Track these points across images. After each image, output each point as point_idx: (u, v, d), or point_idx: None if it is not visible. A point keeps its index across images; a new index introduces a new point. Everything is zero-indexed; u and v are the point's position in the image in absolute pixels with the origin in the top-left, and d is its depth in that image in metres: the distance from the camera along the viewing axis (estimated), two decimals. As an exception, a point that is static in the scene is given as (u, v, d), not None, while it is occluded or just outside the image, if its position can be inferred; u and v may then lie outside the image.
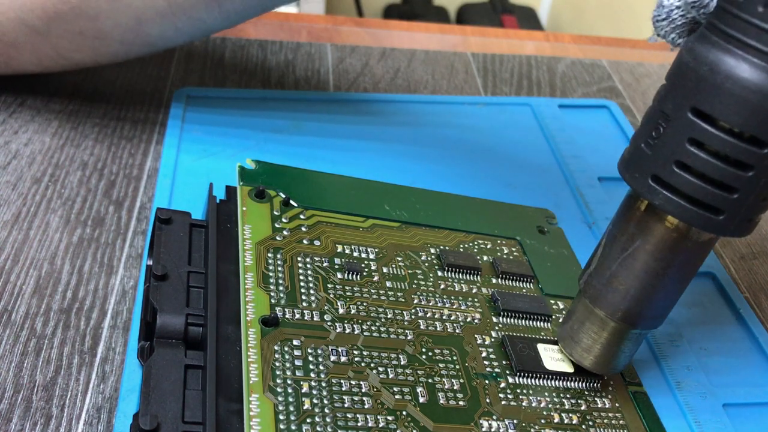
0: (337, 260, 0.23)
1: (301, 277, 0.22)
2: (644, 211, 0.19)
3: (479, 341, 0.23)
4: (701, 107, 0.17)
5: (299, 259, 0.23)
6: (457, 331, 0.23)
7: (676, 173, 0.18)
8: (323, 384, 0.19)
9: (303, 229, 0.24)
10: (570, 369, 0.23)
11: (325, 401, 0.19)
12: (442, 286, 0.24)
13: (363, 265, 0.24)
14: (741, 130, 0.17)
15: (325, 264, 0.23)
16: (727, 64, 0.16)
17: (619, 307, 0.21)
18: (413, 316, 0.23)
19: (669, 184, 0.18)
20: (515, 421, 0.21)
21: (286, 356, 0.20)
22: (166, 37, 0.30)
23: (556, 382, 0.22)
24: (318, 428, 0.18)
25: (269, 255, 0.22)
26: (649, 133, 0.18)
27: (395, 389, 0.20)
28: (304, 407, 0.19)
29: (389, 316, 0.22)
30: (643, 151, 0.19)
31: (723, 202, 0.18)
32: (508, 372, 0.22)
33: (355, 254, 0.24)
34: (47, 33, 0.29)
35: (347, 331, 0.21)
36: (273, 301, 0.21)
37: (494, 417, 0.21)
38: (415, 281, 0.24)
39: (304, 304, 0.21)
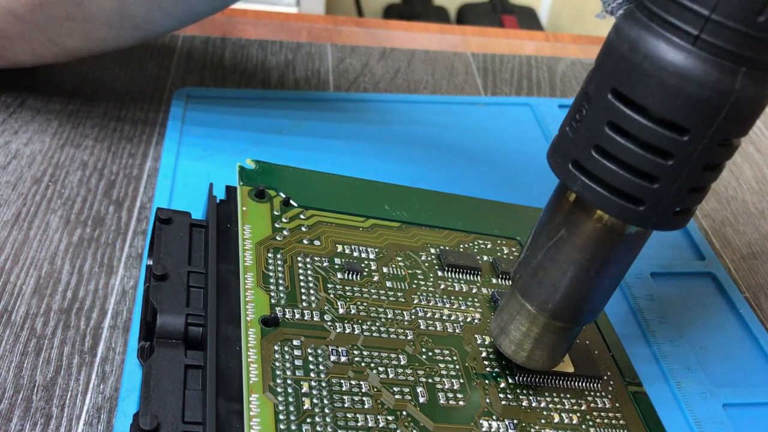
0: (337, 260, 0.23)
1: (301, 277, 0.22)
2: (573, 200, 0.18)
3: (479, 341, 0.23)
4: (621, 89, 0.16)
5: (299, 259, 0.23)
6: (457, 331, 0.23)
7: (594, 159, 0.17)
8: (323, 384, 0.19)
9: (303, 229, 0.24)
10: (570, 369, 0.23)
11: (325, 401, 0.19)
12: (442, 286, 0.24)
13: (363, 265, 0.24)
14: (660, 115, 0.16)
15: (325, 264, 0.23)
16: (648, 42, 0.15)
17: (547, 301, 0.20)
18: (413, 316, 0.23)
19: (588, 171, 0.17)
20: (515, 421, 0.21)
21: (286, 356, 0.20)
22: (153, 20, 0.30)
23: (556, 381, 0.22)
24: (318, 428, 0.18)
25: (269, 255, 0.22)
26: (573, 115, 0.17)
27: (395, 389, 0.20)
28: (304, 407, 0.19)
29: (389, 316, 0.22)
30: (567, 135, 0.17)
31: (643, 191, 0.16)
32: (508, 372, 0.22)
33: (355, 254, 0.24)
34: (34, 20, 0.29)
35: (347, 331, 0.21)
36: (273, 301, 0.21)
37: (494, 417, 0.21)
38: (415, 281, 0.24)
39: (304, 304, 0.21)
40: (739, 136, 0.16)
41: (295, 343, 0.20)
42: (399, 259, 0.25)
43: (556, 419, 0.21)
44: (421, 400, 0.20)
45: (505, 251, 0.27)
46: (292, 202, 0.25)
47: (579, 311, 0.20)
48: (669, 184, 0.16)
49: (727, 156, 0.17)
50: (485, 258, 0.26)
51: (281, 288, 0.22)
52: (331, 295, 0.22)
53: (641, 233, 0.18)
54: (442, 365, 0.22)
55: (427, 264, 0.25)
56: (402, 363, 0.21)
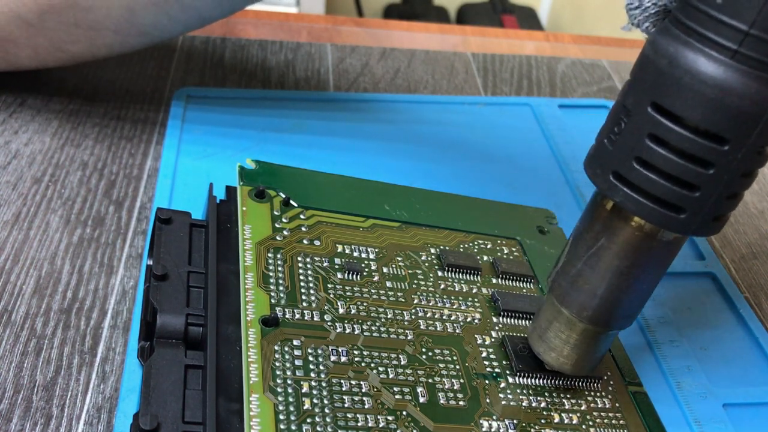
0: (337, 260, 0.23)
1: (301, 277, 0.22)
2: (610, 209, 0.19)
3: (479, 341, 0.23)
4: (660, 102, 0.17)
5: (299, 259, 0.23)
6: (457, 331, 0.23)
7: (636, 170, 0.17)
8: (323, 384, 0.19)
9: (303, 229, 0.24)
10: (570, 369, 0.23)
11: (325, 401, 0.19)
12: (442, 286, 0.24)
13: (363, 265, 0.24)
14: (700, 127, 0.16)
15: (325, 264, 0.23)
16: (686, 57, 0.16)
17: (586, 307, 0.20)
18: (413, 316, 0.23)
19: (629, 181, 0.17)
20: (515, 421, 0.21)
21: (286, 356, 0.20)
22: (161, 26, 0.30)
23: (556, 382, 0.22)
24: (318, 428, 0.18)
25: (269, 255, 0.22)
26: (611, 128, 0.18)
27: (395, 389, 0.20)
28: (304, 407, 0.19)
29: (389, 316, 0.22)
30: (605, 147, 0.18)
31: (684, 200, 0.17)
32: (508, 372, 0.22)
33: (355, 254, 0.24)
34: (42, 26, 0.29)
35: (347, 331, 0.21)
36: (273, 301, 0.21)
37: (494, 417, 0.21)
38: (415, 281, 0.24)
39: (304, 304, 0.21)
40: None
41: (295, 343, 0.20)
42: (399, 259, 0.25)
43: (556, 419, 0.21)
44: (421, 400, 0.20)
45: (505, 251, 0.27)
46: (292, 202, 0.25)
47: (617, 316, 0.20)
48: (709, 193, 0.17)
49: (763, 163, 0.17)
50: (485, 258, 0.26)
51: (281, 288, 0.22)
52: (331, 295, 0.22)
53: (679, 239, 0.19)
54: (442, 365, 0.22)
55: (427, 264, 0.25)
56: (402, 363, 0.21)
